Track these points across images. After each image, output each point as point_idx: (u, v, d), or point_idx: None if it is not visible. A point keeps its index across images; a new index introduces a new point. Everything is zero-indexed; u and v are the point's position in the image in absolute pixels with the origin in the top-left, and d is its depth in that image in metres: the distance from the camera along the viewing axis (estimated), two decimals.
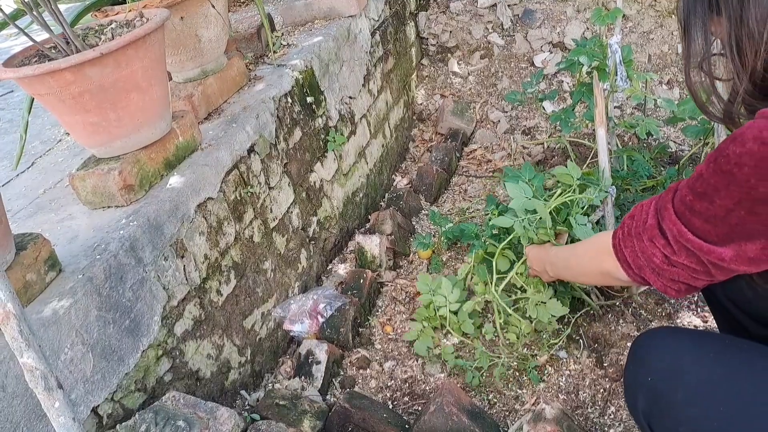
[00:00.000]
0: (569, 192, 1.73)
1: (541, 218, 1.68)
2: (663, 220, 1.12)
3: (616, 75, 2.02)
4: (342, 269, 2.45)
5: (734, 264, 1.03)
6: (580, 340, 1.98)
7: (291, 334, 2.07)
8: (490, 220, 2.12)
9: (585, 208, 1.73)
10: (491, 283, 1.89)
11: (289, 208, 2.15)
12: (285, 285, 2.12)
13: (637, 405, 1.18)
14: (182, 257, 1.65)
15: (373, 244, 2.37)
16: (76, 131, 1.60)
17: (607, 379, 1.87)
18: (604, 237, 1.32)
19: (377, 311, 2.28)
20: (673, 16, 3.23)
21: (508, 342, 2.00)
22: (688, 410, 1.09)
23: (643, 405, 1.17)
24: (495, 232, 2.07)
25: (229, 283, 1.83)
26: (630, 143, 2.65)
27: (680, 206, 1.08)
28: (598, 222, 1.93)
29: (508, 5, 3.35)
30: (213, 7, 1.81)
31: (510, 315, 1.96)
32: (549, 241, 1.75)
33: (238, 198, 1.87)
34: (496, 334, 2.02)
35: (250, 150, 1.93)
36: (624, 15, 3.21)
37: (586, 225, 1.69)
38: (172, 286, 1.61)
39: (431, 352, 2.03)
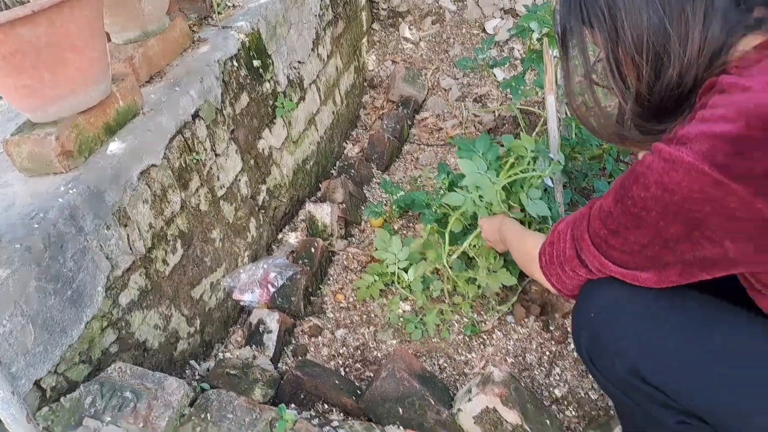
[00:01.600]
0: (522, 164, 1.73)
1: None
2: (581, 250, 1.15)
3: None
4: (293, 238, 2.42)
5: (658, 285, 1.07)
6: (529, 305, 2.01)
7: (241, 303, 2.04)
8: (440, 189, 2.13)
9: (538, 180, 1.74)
10: (443, 253, 1.89)
11: (237, 176, 2.10)
12: (234, 254, 2.09)
13: (581, 342, 1.23)
14: (125, 226, 1.59)
15: (324, 213, 2.35)
16: (9, 94, 1.52)
17: (553, 342, 1.91)
18: (533, 252, 1.32)
19: (329, 280, 2.27)
20: None
21: (454, 304, 2.02)
22: (622, 343, 1.14)
23: (585, 341, 1.22)
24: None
25: (176, 252, 1.78)
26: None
27: (596, 238, 1.11)
28: (546, 190, 1.95)
29: None
30: None
31: (457, 284, 1.98)
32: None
33: (183, 165, 1.82)
34: (443, 296, 2.04)
35: (195, 115, 1.87)
36: None
37: (539, 199, 1.70)
38: (115, 255, 1.56)
39: (379, 304, 2.10)
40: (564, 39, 1.12)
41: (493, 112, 2.99)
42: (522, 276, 1.99)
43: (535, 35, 2.10)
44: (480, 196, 1.66)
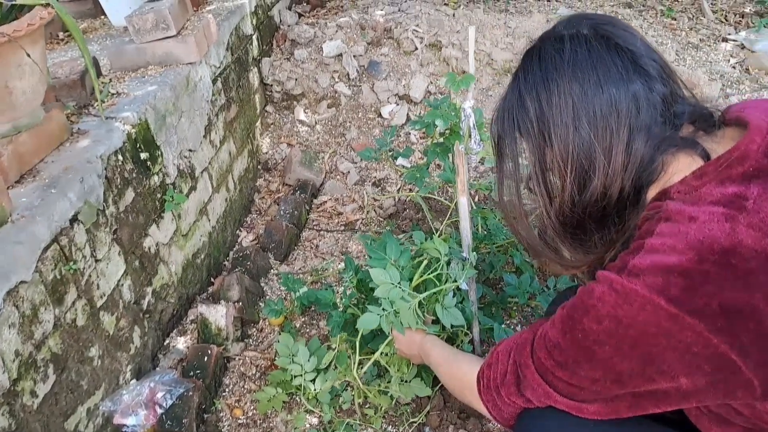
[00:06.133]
0: (436, 267, 1.65)
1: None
2: (524, 378, 1.11)
3: (470, 138, 2.01)
4: (182, 343, 2.19)
5: (605, 418, 1.03)
6: (444, 413, 1.90)
7: (124, 429, 1.78)
8: (346, 289, 2.01)
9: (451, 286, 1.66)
10: (353, 365, 1.76)
11: (119, 280, 1.88)
12: (115, 372, 1.84)
13: None
14: None
15: (218, 315, 2.15)
16: None
17: None
18: (469, 376, 1.28)
19: (224, 391, 2.06)
20: (509, 74, 3.37)
21: (364, 415, 1.88)
22: None
23: None
24: (354, 301, 1.95)
25: (47, 380, 1.53)
26: (480, 203, 2.67)
27: (541, 368, 1.07)
28: (458, 288, 1.88)
29: (354, 56, 3.31)
30: (28, 55, 1.53)
31: (369, 395, 1.85)
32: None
33: (58, 277, 1.58)
34: (353, 407, 1.90)
35: (73, 219, 1.65)
36: (463, 71, 3.30)
37: (453, 308, 1.62)
38: None
39: (282, 419, 1.92)
40: (499, 146, 1.13)
41: (394, 197, 2.93)
42: (437, 380, 1.88)
43: (439, 130, 2.08)
44: (395, 312, 1.55)
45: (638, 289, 0.89)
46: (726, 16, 4.14)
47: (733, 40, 3.81)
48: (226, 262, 2.69)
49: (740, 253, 0.84)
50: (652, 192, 1.02)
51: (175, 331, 2.26)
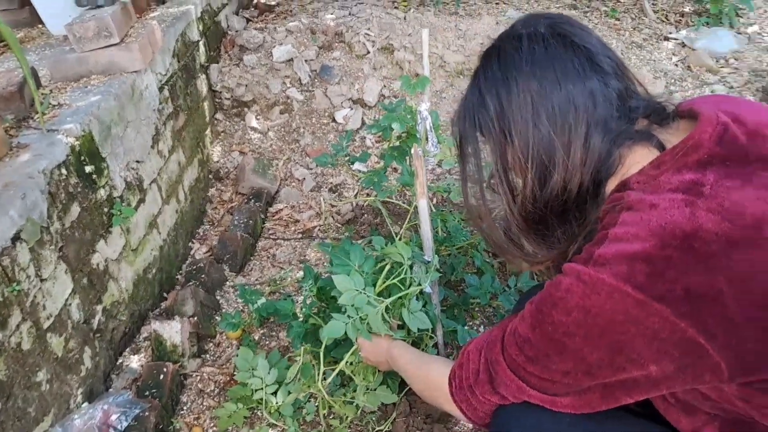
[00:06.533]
0: (399, 272, 1.62)
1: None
2: (497, 374, 1.11)
3: (427, 140, 1.99)
4: (135, 362, 2.11)
5: (577, 411, 1.04)
6: (411, 419, 1.87)
7: None
8: (306, 298, 1.96)
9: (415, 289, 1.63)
10: (317, 375, 1.71)
11: (66, 300, 1.79)
12: (65, 396, 1.75)
13: None
14: None
15: (173, 332, 2.07)
16: None
17: None
18: (440, 378, 1.27)
19: (182, 409, 1.98)
20: (461, 76, 3.38)
21: (329, 425, 1.83)
22: None
23: None
24: (315, 310, 1.91)
25: None
26: (439, 206, 2.65)
27: (513, 364, 1.07)
28: (421, 292, 1.86)
29: (305, 60, 3.26)
30: None
31: (334, 406, 1.80)
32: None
33: (1, 300, 1.49)
34: (317, 418, 1.85)
35: (16, 238, 1.56)
36: (416, 74, 3.29)
37: (418, 311, 1.59)
38: None
39: None
40: (461, 146, 1.14)
41: (351, 202, 2.89)
42: (402, 386, 1.85)
43: (396, 133, 2.06)
44: (361, 318, 1.52)
45: (605, 278, 0.89)
46: (667, 15, 4.24)
47: (675, 39, 3.90)
48: (179, 276, 2.61)
49: (701, 237, 0.86)
50: (611, 185, 1.04)
51: (128, 349, 2.17)
